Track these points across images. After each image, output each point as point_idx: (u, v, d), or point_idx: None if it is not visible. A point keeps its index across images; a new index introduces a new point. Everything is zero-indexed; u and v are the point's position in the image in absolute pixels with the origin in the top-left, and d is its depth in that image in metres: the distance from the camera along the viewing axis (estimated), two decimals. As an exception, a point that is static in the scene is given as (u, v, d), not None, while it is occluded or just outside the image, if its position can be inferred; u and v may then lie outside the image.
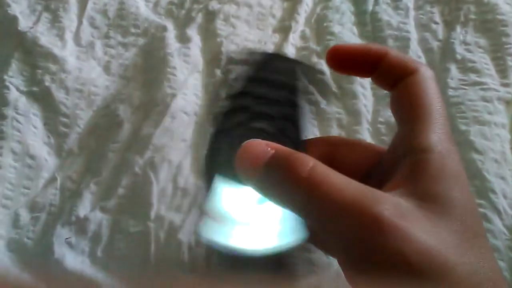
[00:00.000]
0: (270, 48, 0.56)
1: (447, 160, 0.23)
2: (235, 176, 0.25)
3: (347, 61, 0.28)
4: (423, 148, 0.24)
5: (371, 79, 0.28)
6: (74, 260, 0.42)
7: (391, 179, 0.24)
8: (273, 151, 0.24)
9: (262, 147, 0.24)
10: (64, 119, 0.51)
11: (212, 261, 0.42)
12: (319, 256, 0.41)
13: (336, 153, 0.29)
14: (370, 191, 0.22)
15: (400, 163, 0.24)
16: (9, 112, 0.50)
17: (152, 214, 0.44)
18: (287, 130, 0.28)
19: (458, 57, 0.55)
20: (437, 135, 0.24)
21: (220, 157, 0.27)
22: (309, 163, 0.23)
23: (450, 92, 0.51)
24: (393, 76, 0.27)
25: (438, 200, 0.22)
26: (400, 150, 0.25)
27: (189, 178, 0.46)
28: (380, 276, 0.21)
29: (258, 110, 0.28)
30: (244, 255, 0.25)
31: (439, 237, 0.21)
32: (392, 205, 0.21)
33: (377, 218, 0.21)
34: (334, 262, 0.41)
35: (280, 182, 0.23)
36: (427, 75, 0.26)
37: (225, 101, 0.29)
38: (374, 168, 0.27)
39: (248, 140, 0.25)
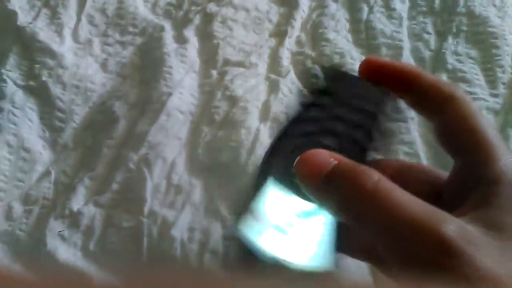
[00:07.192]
0: (266, 52, 0.57)
1: None
2: (288, 182, 0.25)
3: (381, 75, 0.27)
4: (491, 180, 0.23)
5: (407, 103, 0.28)
6: (66, 252, 0.43)
7: (458, 209, 0.23)
8: (337, 162, 0.24)
9: (326, 156, 0.24)
10: (60, 114, 0.51)
11: (203, 257, 0.42)
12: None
13: (396, 177, 0.27)
14: (437, 211, 0.21)
15: (467, 194, 0.24)
16: (6, 105, 0.50)
17: (146, 210, 0.44)
18: (351, 151, 0.26)
19: (449, 67, 0.56)
20: (503, 164, 0.23)
21: (278, 159, 0.27)
22: (374, 176, 0.22)
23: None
24: (429, 102, 0.26)
25: (507, 230, 0.21)
26: (465, 182, 0.24)
27: (183, 175, 0.47)
28: None
29: (329, 127, 0.27)
30: (272, 261, 0.25)
31: (505, 266, 0.20)
32: (459, 228, 0.21)
33: (444, 239, 0.20)
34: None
35: (341, 192, 0.23)
36: (467, 100, 0.25)
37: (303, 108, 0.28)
38: (436, 197, 0.26)
39: (313, 149, 0.25)
